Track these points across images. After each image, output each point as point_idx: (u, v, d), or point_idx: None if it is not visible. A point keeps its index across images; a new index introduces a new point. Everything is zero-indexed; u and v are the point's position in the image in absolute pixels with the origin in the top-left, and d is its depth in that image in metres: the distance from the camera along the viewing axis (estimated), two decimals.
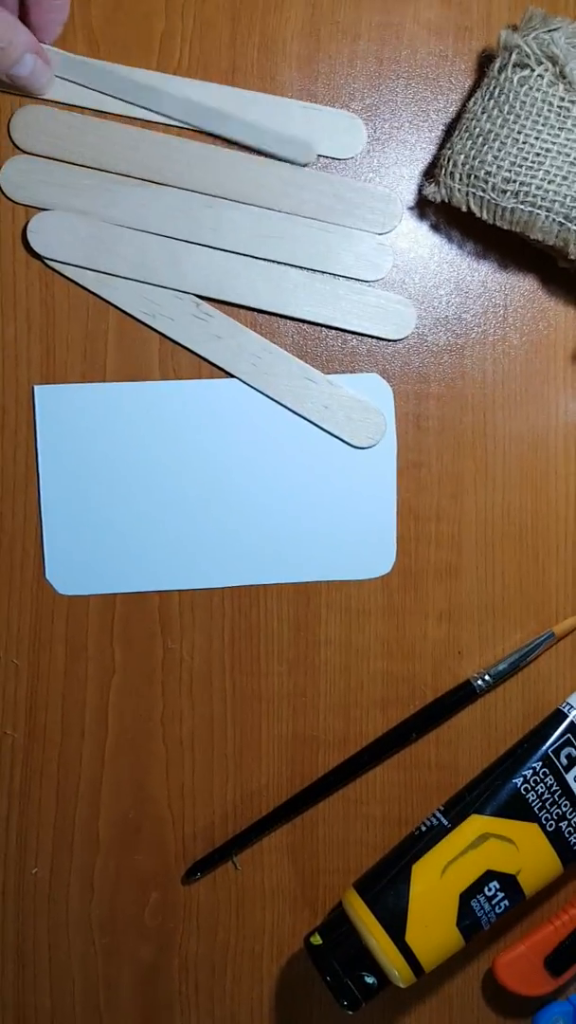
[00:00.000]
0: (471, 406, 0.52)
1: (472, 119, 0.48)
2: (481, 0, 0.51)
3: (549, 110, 0.47)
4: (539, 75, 0.47)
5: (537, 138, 0.46)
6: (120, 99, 0.48)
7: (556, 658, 0.52)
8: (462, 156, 0.48)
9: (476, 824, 0.49)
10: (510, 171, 0.47)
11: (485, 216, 0.48)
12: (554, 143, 0.46)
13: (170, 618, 0.51)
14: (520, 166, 0.47)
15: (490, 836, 0.48)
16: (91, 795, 0.51)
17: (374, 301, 0.51)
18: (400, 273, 0.52)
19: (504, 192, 0.47)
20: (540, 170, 0.46)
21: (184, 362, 0.51)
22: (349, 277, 0.51)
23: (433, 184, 0.49)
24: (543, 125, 0.46)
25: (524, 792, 0.49)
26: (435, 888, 0.48)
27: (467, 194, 0.48)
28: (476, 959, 0.52)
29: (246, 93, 0.50)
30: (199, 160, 0.50)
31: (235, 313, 0.51)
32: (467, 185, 0.48)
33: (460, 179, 0.48)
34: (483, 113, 0.48)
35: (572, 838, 0.48)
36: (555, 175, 0.46)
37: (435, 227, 0.52)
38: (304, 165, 0.50)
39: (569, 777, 0.49)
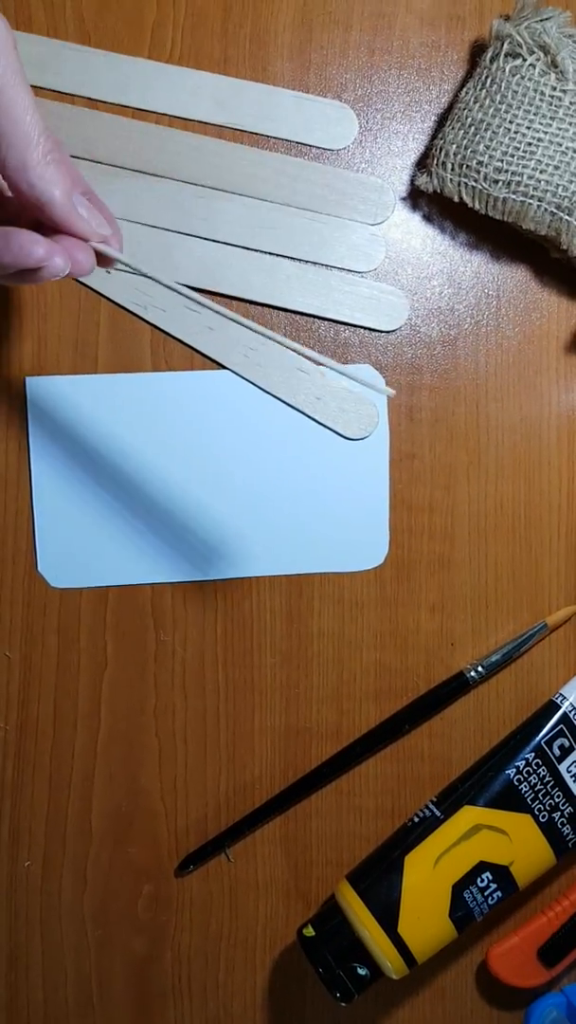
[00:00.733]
0: (464, 397, 0.52)
1: (464, 109, 0.48)
2: None
3: (541, 99, 0.46)
4: (531, 64, 0.46)
5: (529, 127, 0.46)
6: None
7: (549, 649, 0.52)
8: (454, 146, 0.47)
9: (469, 815, 0.49)
10: (502, 160, 0.47)
11: (477, 206, 0.48)
12: (546, 132, 0.46)
13: (163, 611, 0.51)
14: (512, 156, 0.47)
15: (483, 827, 0.48)
16: (84, 788, 0.51)
17: (367, 292, 0.51)
18: (393, 264, 0.51)
19: (496, 182, 0.47)
20: (532, 159, 0.46)
21: (176, 353, 0.51)
22: (342, 268, 0.51)
23: (425, 174, 0.49)
24: (535, 115, 0.46)
25: (517, 783, 0.49)
26: (428, 879, 0.48)
27: (459, 184, 0.48)
28: (469, 950, 0.52)
29: (238, 82, 0.50)
30: (191, 150, 0.50)
31: (228, 304, 0.51)
32: (459, 175, 0.47)
33: (452, 169, 0.48)
34: (475, 103, 0.47)
35: (565, 829, 0.48)
36: (547, 164, 0.46)
37: (428, 218, 0.52)
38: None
39: (562, 768, 0.49)
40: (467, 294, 0.52)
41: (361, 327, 0.51)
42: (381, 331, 0.51)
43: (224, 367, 0.51)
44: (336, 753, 0.52)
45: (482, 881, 0.48)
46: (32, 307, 0.50)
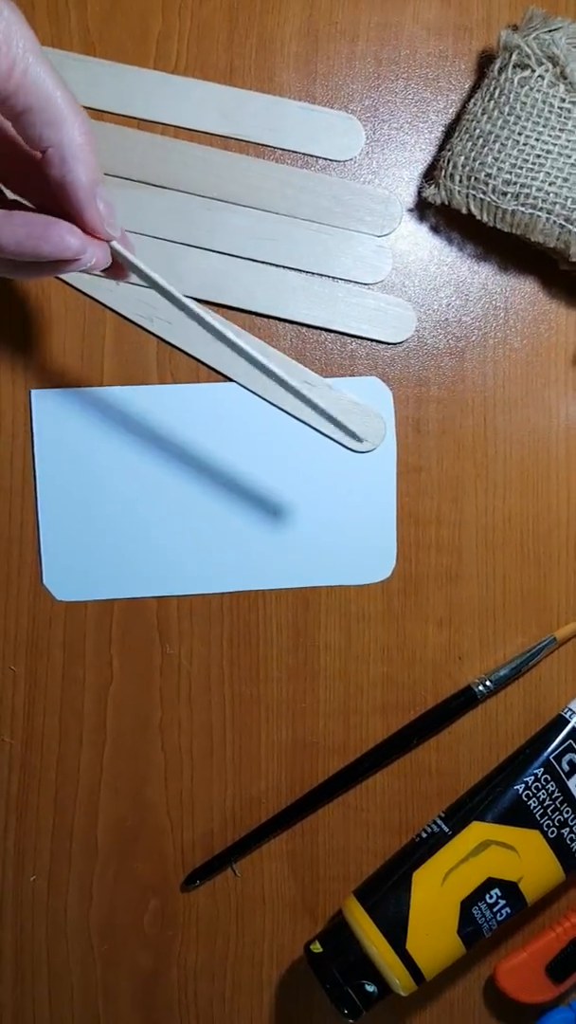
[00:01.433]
0: (471, 409, 0.52)
1: (472, 120, 0.47)
2: (481, 0, 0.51)
3: (550, 111, 0.46)
4: (540, 76, 0.46)
5: (538, 139, 0.46)
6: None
7: (557, 663, 0.52)
8: (462, 158, 0.47)
9: (477, 831, 0.48)
10: (511, 173, 0.46)
11: (486, 218, 0.48)
12: (555, 144, 0.46)
13: (168, 624, 0.51)
14: (521, 168, 0.46)
15: (491, 843, 0.48)
16: (89, 802, 0.51)
17: (373, 304, 0.51)
18: (400, 276, 0.51)
19: (505, 194, 0.47)
20: (541, 172, 0.46)
21: (182, 366, 0.51)
22: (348, 280, 0.51)
23: (433, 186, 0.48)
24: (544, 126, 0.46)
25: (525, 799, 0.48)
26: (436, 896, 0.48)
27: (467, 196, 0.47)
28: (477, 966, 0.52)
29: (243, 93, 0.50)
30: (196, 162, 0.50)
31: (233, 316, 0.51)
32: (467, 187, 0.47)
33: (460, 181, 0.47)
34: (483, 114, 0.47)
35: (574, 845, 0.48)
36: (556, 176, 0.46)
37: (435, 229, 0.51)
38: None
39: (571, 783, 0.48)
40: (475, 306, 0.51)
41: (368, 339, 0.51)
42: (388, 343, 0.51)
43: (230, 379, 0.51)
44: (343, 768, 0.51)
45: (491, 897, 0.48)
46: (38, 320, 0.50)
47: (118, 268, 0.41)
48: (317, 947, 0.48)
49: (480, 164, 0.47)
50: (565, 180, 0.46)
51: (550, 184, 0.46)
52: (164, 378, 0.51)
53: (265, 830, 0.51)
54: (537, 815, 0.48)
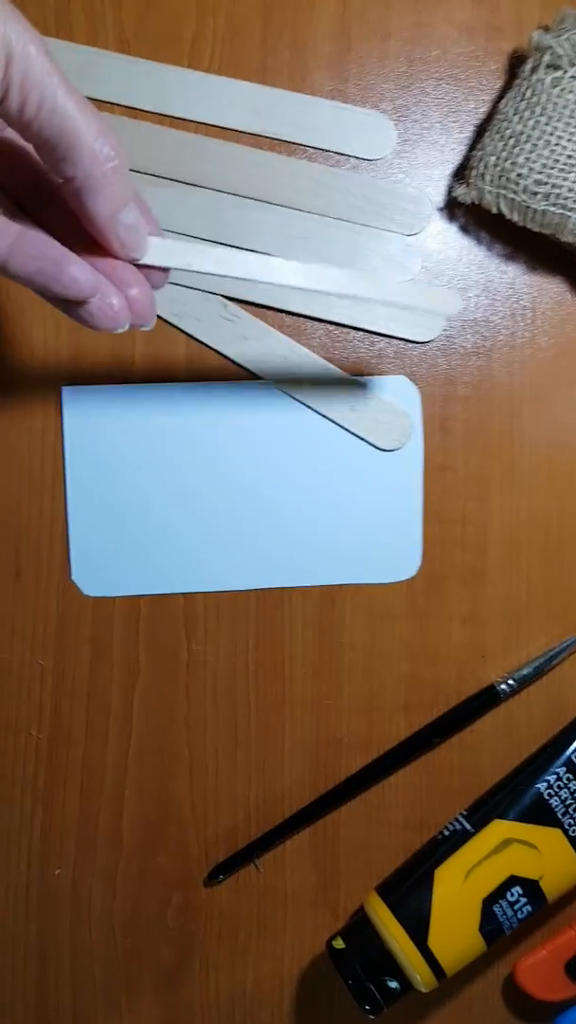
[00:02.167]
0: (498, 409, 0.52)
1: (503, 120, 0.48)
2: (512, 0, 0.51)
3: None
4: (572, 76, 0.46)
5: (570, 140, 0.46)
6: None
7: None
8: (493, 157, 0.47)
9: (499, 829, 0.49)
10: (542, 173, 0.46)
11: (516, 218, 0.48)
12: None
13: (195, 620, 0.51)
14: (552, 168, 0.46)
15: (513, 841, 0.48)
16: (114, 797, 0.51)
17: None
18: (429, 275, 0.51)
19: (535, 194, 0.47)
20: (573, 172, 0.46)
21: (211, 363, 0.51)
22: None
23: (463, 185, 0.49)
24: None
25: (547, 797, 0.49)
26: (458, 893, 0.48)
27: (498, 196, 0.47)
28: (497, 963, 0.52)
29: (276, 92, 0.50)
30: (228, 159, 0.50)
31: (262, 314, 0.51)
32: (498, 187, 0.47)
33: (491, 181, 0.47)
34: (515, 114, 0.47)
35: None
36: None
37: (464, 228, 0.51)
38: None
39: None
40: (503, 305, 0.52)
41: (396, 338, 0.51)
42: (416, 342, 0.51)
43: (259, 377, 0.51)
44: (366, 765, 0.51)
45: (512, 895, 0.48)
46: (68, 317, 0.50)
47: (156, 277, 0.39)
48: (339, 943, 0.48)
49: (511, 164, 0.47)
50: None
51: None
52: (193, 376, 0.51)
53: (288, 826, 0.51)
54: (559, 813, 0.48)
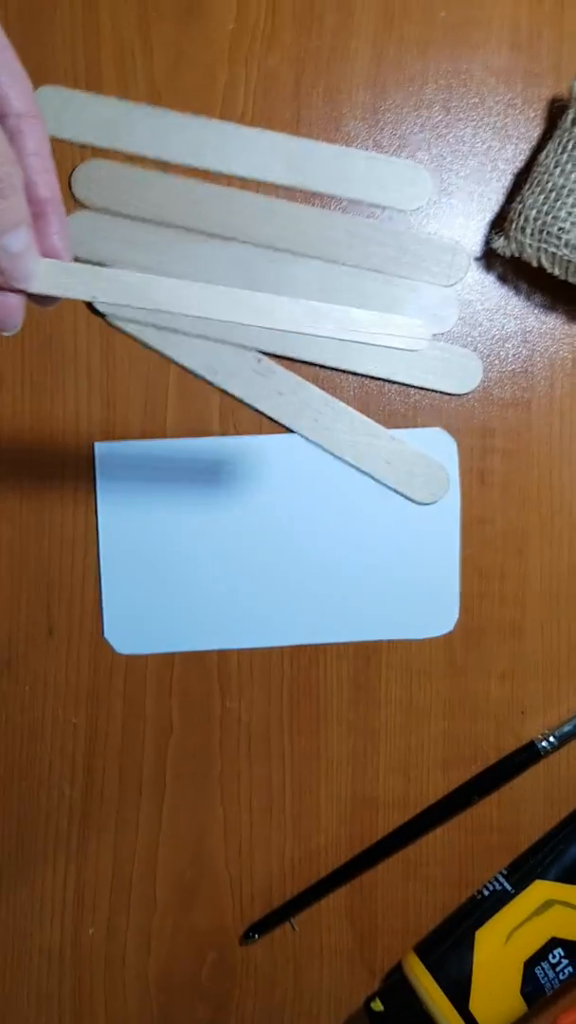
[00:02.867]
0: (537, 461, 0.51)
1: (544, 172, 0.47)
2: (551, 46, 0.50)
3: None
4: None
5: None
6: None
7: None
8: (534, 211, 0.46)
9: (540, 890, 0.48)
10: None
11: (557, 272, 0.47)
12: None
13: (228, 677, 0.51)
14: None
15: (555, 903, 0.48)
16: (148, 854, 0.51)
17: (438, 355, 0.50)
18: (466, 326, 0.50)
19: None
20: None
21: (244, 418, 0.50)
22: None
23: (503, 238, 0.48)
24: None
25: None
26: (499, 955, 0.47)
27: (539, 249, 0.46)
28: (534, 1020, 0.51)
29: (310, 143, 0.49)
30: (263, 213, 0.49)
31: (297, 368, 0.50)
32: (539, 240, 0.46)
33: (532, 234, 0.46)
34: (556, 167, 0.46)
35: None
36: None
37: (502, 278, 0.50)
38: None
39: None
40: (541, 356, 0.51)
41: (433, 391, 0.50)
42: (453, 394, 0.50)
43: (292, 431, 0.50)
44: (403, 823, 0.51)
45: (554, 957, 0.47)
46: (101, 373, 0.50)
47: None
48: (378, 1005, 0.48)
49: (553, 218, 0.46)
50: None
51: None
52: (227, 430, 0.50)
53: (324, 885, 0.51)
54: None
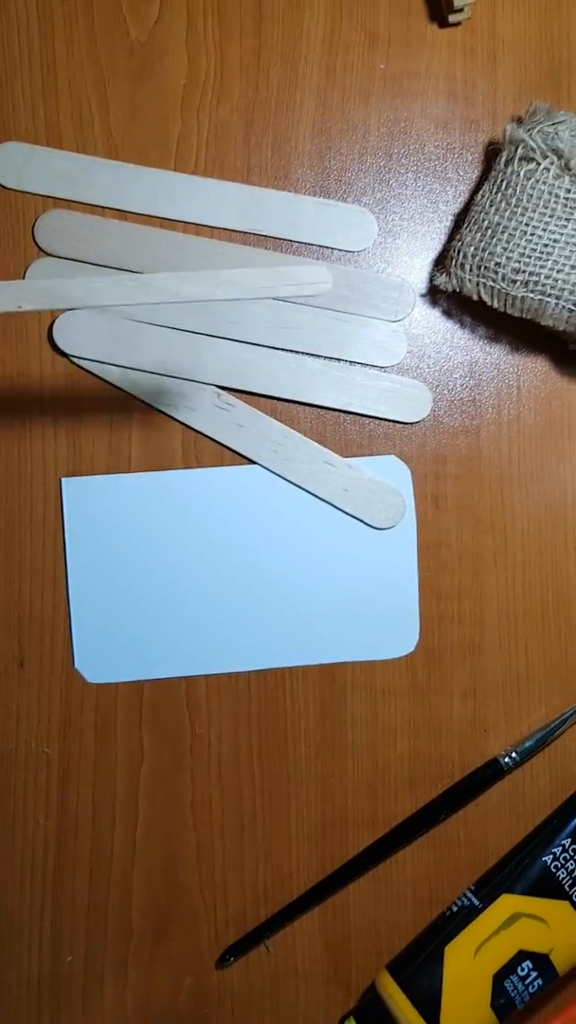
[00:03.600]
0: (488, 485, 0.53)
1: (480, 212, 0.49)
2: (486, 94, 0.53)
3: (556, 202, 0.48)
4: (545, 168, 0.48)
5: (545, 229, 0.48)
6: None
7: None
8: (472, 248, 0.49)
9: (507, 904, 0.49)
10: (519, 262, 0.48)
11: (496, 304, 0.49)
12: (562, 234, 0.48)
13: (197, 703, 0.52)
14: (529, 256, 0.48)
15: (521, 915, 0.48)
16: (123, 882, 0.52)
17: (389, 386, 0.52)
18: (415, 358, 0.53)
19: (514, 282, 0.48)
20: (549, 260, 0.48)
21: (207, 450, 0.52)
22: (365, 364, 0.52)
23: (444, 274, 0.50)
24: (550, 217, 0.48)
25: (554, 870, 0.49)
26: (468, 969, 0.48)
27: (478, 284, 0.49)
28: None
29: (260, 191, 0.52)
30: (217, 257, 0.52)
31: (255, 402, 0.52)
32: (477, 275, 0.49)
33: (470, 270, 0.49)
34: (491, 206, 0.49)
35: None
36: (564, 264, 0.48)
37: (447, 313, 0.53)
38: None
39: None
40: (488, 385, 0.53)
41: (385, 419, 0.52)
42: (405, 423, 0.53)
43: (254, 462, 0.52)
44: (372, 843, 0.52)
45: (522, 970, 0.48)
46: (67, 411, 0.52)
47: None
48: (352, 1023, 0.48)
49: (489, 254, 0.48)
50: (573, 267, 0.48)
51: (558, 271, 0.48)
52: (189, 463, 0.52)
53: (297, 906, 0.51)
54: (566, 885, 0.49)
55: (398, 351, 0.52)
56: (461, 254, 0.49)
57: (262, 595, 0.52)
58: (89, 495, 0.52)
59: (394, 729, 0.52)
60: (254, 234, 0.52)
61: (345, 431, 0.53)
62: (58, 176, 0.51)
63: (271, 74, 0.52)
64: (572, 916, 0.48)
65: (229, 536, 0.52)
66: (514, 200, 0.48)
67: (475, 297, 0.49)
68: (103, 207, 0.52)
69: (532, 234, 0.48)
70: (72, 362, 0.52)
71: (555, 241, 0.48)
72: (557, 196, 0.48)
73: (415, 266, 0.53)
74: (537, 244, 0.48)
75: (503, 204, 0.48)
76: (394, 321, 0.52)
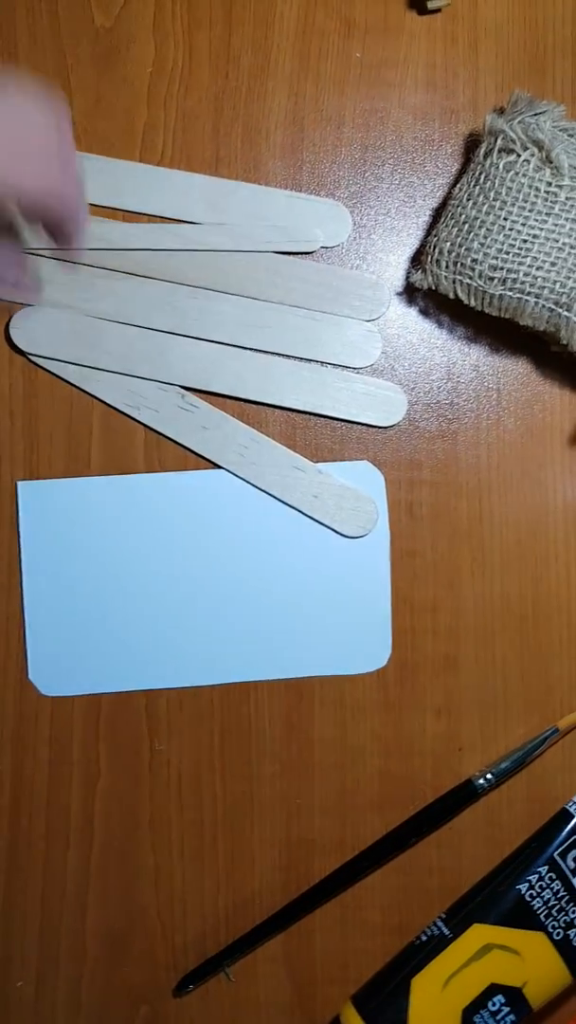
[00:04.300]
0: (466, 492, 0.51)
1: (458, 205, 0.47)
2: (467, 83, 0.51)
3: (536, 196, 0.46)
4: (525, 160, 0.46)
5: (524, 224, 0.46)
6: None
7: (561, 754, 0.50)
8: (448, 243, 0.47)
9: (479, 933, 0.47)
10: (497, 258, 0.46)
11: (473, 303, 0.47)
12: (541, 229, 0.45)
13: (157, 718, 0.50)
14: (507, 253, 0.46)
15: (493, 947, 0.46)
16: (77, 904, 0.50)
17: (363, 388, 0.50)
18: (389, 360, 0.51)
19: (492, 279, 0.46)
20: (528, 256, 0.45)
21: (170, 454, 0.50)
22: (338, 365, 0.50)
23: (420, 271, 0.48)
24: (530, 211, 0.46)
25: (529, 899, 0.47)
26: (436, 1003, 0.46)
27: (454, 281, 0.47)
28: None
29: (230, 183, 0.50)
30: (183, 251, 0.49)
31: (222, 403, 0.50)
32: (454, 272, 0.47)
33: (447, 267, 0.47)
34: (468, 199, 0.47)
35: None
36: (543, 261, 0.45)
37: (424, 312, 0.51)
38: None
39: None
40: (467, 388, 0.51)
41: (358, 423, 0.50)
42: (379, 427, 0.50)
43: (219, 466, 0.50)
44: (340, 867, 0.50)
45: (494, 1004, 0.46)
46: (23, 410, 0.50)
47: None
48: None
49: (466, 250, 0.46)
50: (553, 264, 0.45)
51: (537, 269, 0.45)
52: (152, 466, 0.50)
53: (259, 932, 0.49)
54: (541, 916, 0.46)
55: (372, 352, 0.50)
56: (437, 250, 0.47)
57: (227, 606, 0.50)
58: (46, 499, 0.50)
59: (364, 747, 0.50)
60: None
61: (316, 435, 0.51)
62: None
63: (242, 62, 0.51)
64: (548, 948, 0.46)
65: (193, 544, 0.50)
66: (492, 193, 0.46)
67: (451, 295, 0.47)
68: None
69: (511, 229, 0.46)
70: (30, 360, 0.50)
71: (534, 237, 0.45)
72: (537, 190, 0.46)
73: (391, 263, 0.51)
74: (516, 240, 0.45)
75: (481, 198, 0.46)
76: (368, 320, 0.50)
